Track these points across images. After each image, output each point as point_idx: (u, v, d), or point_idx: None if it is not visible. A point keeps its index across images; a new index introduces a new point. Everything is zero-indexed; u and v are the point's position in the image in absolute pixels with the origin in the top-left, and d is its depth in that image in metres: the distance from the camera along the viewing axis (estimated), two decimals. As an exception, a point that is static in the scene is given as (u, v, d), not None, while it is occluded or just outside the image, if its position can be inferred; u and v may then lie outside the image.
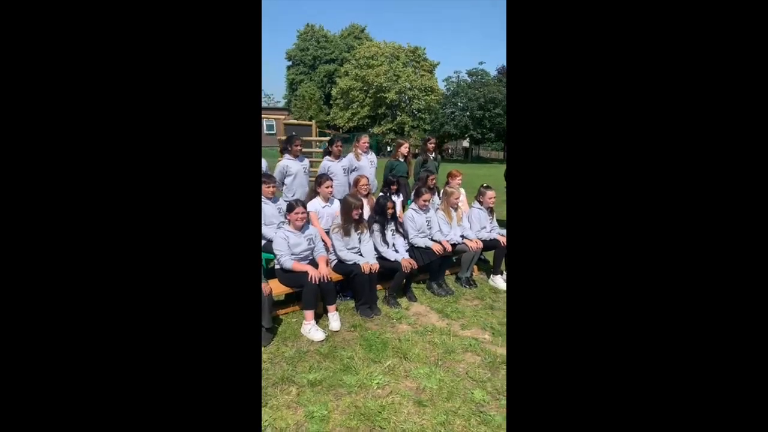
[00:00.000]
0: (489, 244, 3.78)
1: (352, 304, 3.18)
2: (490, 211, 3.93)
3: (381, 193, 4.11)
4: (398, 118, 25.37)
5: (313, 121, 14.46)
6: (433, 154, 5.09)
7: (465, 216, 3.89)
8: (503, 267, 3.89)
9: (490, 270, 3.90)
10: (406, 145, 4.79)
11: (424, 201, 3.54)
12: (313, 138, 10.53)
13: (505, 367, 2.41)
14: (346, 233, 3.09)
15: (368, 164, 4.41)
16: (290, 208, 2.85)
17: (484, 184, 3.98)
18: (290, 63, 38.08)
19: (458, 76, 24.63)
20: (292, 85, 37.24)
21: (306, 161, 4.16)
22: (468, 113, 22.27)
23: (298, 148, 3.98)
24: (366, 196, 3.78)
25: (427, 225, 3.61)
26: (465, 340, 2.72)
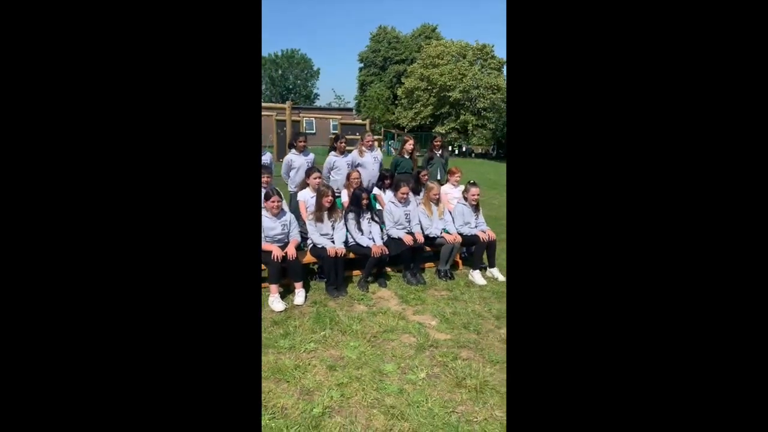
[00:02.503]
0: (469, 240, 3.86)
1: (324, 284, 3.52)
2: (475, 207, 4.00)
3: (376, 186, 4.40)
4: (461, 117, 25.04)
5: (368, 120, 15.11)
6: (440, 152, 5.22)
7: (447, 211, 4.00)
8: (486, 262, 3.94)
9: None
10: (411, 141, 4.99)
11: (402, 194, 3.75)
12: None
13: (432, 348, 2.57)
14: (319, 219, 3.43)
15: (371, 160, 4.70)
16: (266, 196, 3.26)
17: (471, 181, 4.06)
18: (362, 65, 39.51)
19: (527, 72, 23.47)
20: (363, 86, 38.58)
21: (311, 155, 4.58)
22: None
23: (302, 144, 4.43)
24: (364, 189, 4.09)
25: (406, 218, 3.81)
26: (410, 324, 2.91)
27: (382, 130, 27.80)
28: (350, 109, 32.05)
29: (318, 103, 44.60)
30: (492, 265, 3.91)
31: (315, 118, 23.35)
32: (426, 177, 4.39)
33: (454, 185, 4.54)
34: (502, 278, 3.80)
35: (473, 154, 26.38)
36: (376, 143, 4.91)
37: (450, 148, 27.35)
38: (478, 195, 3.96)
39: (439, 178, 5.05)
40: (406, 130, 27.60)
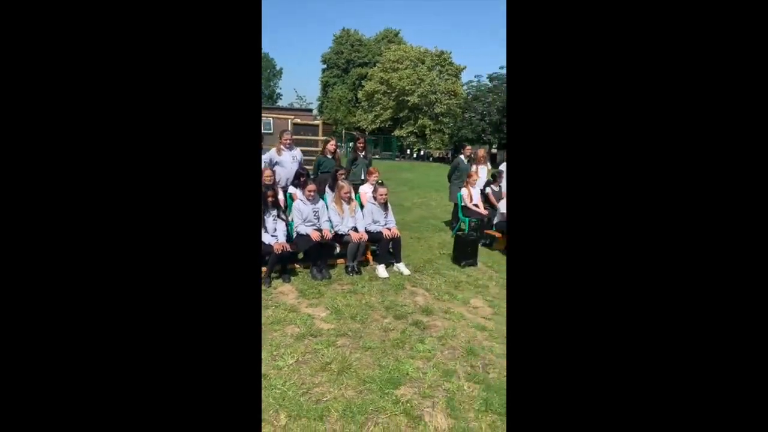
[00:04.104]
0: (375, 237, 4.03)
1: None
2: (384, 205, 4.18)
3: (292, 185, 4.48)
4: (420, 121, 25.56)
5: (320, 120, 15.15)
6: (363, 153, 5.39)
7: (357, 209, 4.16)
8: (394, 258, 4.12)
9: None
10: (333, 142, 5.14)
11: (309, 192, 3.86)
12: (319, 137, 11.14)
13: (311, 337, 2.69)
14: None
15: (290, 159, 4.79)
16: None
17: (380, 181, 4.24)
18: (325, 66, 39.43)
19: (479, 80, 24.47)
20: (326, 88, 38.51)
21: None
22: (487, 118, 22.05)
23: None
24: (270, 187, 4.16)
25: (315, 215, 3.92)
26: (300, 316, 3.01)
27: (344, 131, 27.85)
28: (310, 110, 31.92)
29: (280, 103, 44.00)
30: (398, 261, 4.10)
31: (273, 117, 23.09)
32: (342, 175, 4.53)
33: (372, 185, 4.70)
34: (407, 272, 3.99)
35: (431, 158, 26.93)
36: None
37: (408, 151, 27.82)
38: (385, 194, 4.14)
39: (363, 177, 5.22)
40: (366, 132, 27.81)
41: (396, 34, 37.28)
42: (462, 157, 6.08)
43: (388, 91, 26.37)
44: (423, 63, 26.61)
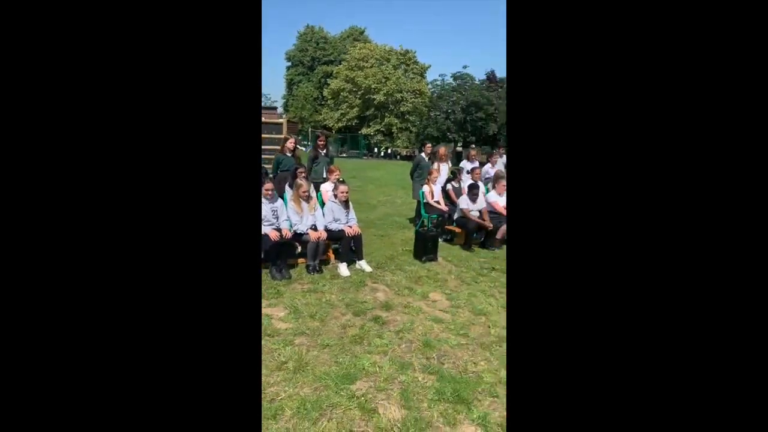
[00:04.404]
0: (336, 235, 4.03)
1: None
2: (345, 204, 4.18)
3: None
4: (386, 120, 25.68)
5: (284, 119, 14.93)
6: (324, 151, 5.38)
7: (318, 207, 4.15)
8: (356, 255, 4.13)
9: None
10: (292, 140, 5.11)
11: (267, 190, 3.81)
12: (283, 136, 10.96)
13: (267, 337, 2.66)
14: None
15: (249, 158, 4.70)
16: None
17: (340, 179, 4.24)
18: (290, 64, 38.78)
19: (443, 79, 24.87)
20: (291, 86, 37.89)
21: None
22: (452, 117, 22.45)
23: None
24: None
25: (273, 214, 3.87)
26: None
27: (309, 129, 27.56)
28: (275, 108, 31.41)
29: (244, 101, 42.83)
30: (360, 258, 4.12)
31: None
32: (302, 174, 4.49)
33: (333, 183, 4.69)
34: (368, 269, 4.02)
35: (398, 156, 27.12)
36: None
37: (376, 149, 27.89)
38: (346, 192, 4.15)
39: (324, 176, 5.20)
40: (333, 130, 27.64)
41: (361, 33, 37.22)
42: (423, 154, 6.17)
43: (354, 89, 26.31)
44: (388, 61, 26.74)
